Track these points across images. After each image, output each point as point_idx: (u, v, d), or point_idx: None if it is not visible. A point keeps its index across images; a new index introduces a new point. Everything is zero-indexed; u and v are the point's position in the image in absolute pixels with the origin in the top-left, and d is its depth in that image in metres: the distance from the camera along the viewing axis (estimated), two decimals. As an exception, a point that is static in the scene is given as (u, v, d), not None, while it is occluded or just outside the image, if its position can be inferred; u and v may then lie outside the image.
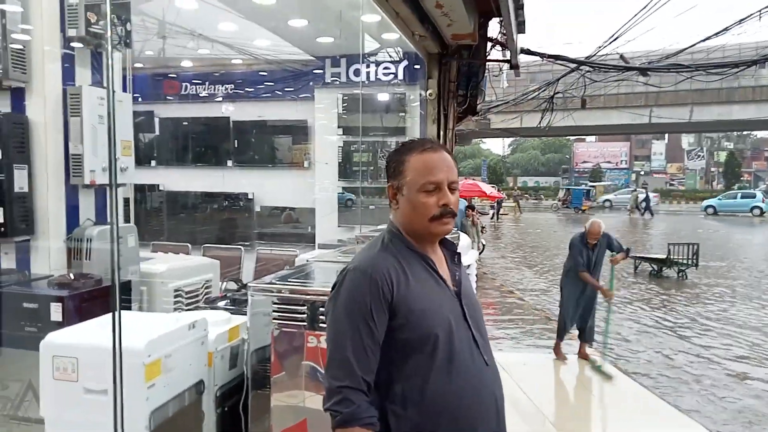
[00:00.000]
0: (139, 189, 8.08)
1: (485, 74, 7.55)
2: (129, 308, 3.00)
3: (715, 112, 31.40)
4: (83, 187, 3.41)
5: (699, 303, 9.78)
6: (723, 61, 9.80)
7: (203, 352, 2.29)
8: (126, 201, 3.73)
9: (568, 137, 53.54)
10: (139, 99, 7.98)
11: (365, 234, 4.04)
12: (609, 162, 55.23)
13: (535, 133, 35.20)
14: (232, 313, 2.76)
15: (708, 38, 8.95)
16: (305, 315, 2.33)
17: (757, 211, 30.63)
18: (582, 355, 6.20)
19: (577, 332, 6.33)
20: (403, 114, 7.09)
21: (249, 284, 2.44)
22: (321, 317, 2.30)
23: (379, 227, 5.79)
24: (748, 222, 27.86)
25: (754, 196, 32.34)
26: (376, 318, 1.48)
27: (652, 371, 6.25)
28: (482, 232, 12.50)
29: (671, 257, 12.14)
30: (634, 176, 54.17)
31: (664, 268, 12.43)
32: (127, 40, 3.44)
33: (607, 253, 6.17)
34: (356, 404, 1.41)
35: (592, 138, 54.95)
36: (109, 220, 3.46)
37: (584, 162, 56.00)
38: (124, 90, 3.70)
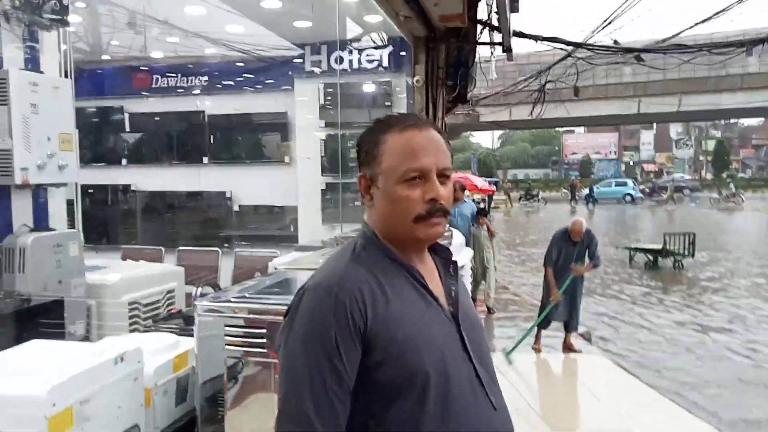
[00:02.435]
0: (111, 190, 7.62)
1: (475, 60, 7.11)
2: (62, 333, 2.54)
3: (704, 101, 31.28)
4: (15, 188, 2.93)
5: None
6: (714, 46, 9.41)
7: (137, 390, 1.84)
8: (70, 203, 3.24)
9: (557, 129, 53.36)
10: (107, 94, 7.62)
11: (347, 234, 3.59)
12: (598, 153, 55.11)
13: (525, 125, 35.03)
14: (186, 335, 2.31)
15: (700, 23, 8.58)
16: (264, 341, 1.88)
17: (628, 198, 34.85)
18: (568, 347, 6.06)
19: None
20: (389, 104, 6.63)
21: (195, 303, 1.99)
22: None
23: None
24: (622, 207, 31.81)
25: (626, 184, 36.74)
26: (345, 355, 1.09)
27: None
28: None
29: (667, 247, 11.84)
30: (623, 167, 54.15)
31: (660, 259, 12.13)
32: (63, 17, 2.95)
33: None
34: None
35: (581, 129, 54.83)
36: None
37: (573, 153, 55.87)
38: (65, 75, 3.21)
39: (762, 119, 51.88)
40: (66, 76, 3.17)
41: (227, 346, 1.94)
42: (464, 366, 1.17)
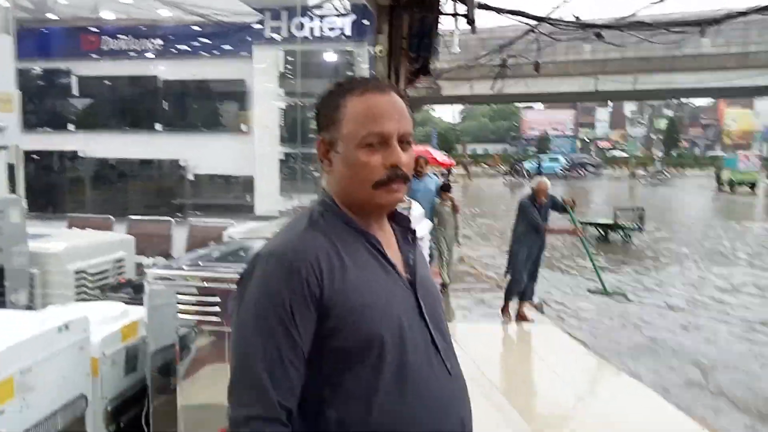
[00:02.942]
0: (57, 156, 7.30)
1: (438, 32, 7.05)
2: (1, 302, 2.42)
3: (658, 81, 31.97)
4: (-52, 150, 2.76)
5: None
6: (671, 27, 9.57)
7: (83, 359, 1.77)
8: (11, 168, 3.07)
9: (516, 105, 53.87)
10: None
11: (306, 205, 3.52)
12: (556, 129, 56.01)
13: (485, 99, 35.27)
14: (136, 304, 2.24)
15: (658, 2, 8.71)
16: (218, 310, 1.83)
17: (561, 172, 37.91)
18: (521, 316, 6.23)
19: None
20: (351, 73, 6.52)
21: (146, 270, 1.92)
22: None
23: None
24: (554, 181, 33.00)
25: (557, 160, 39.98)
26: (299, 321, 1.07)
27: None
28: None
29: (618, 221, 12.19)
30: (579, 143, 55.25)
31: (611, 233, 12.48)
32: (0, -34, 2.74)
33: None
34: None
35: (540, 106, 55.53)
36: None
37: (532, 129, 56.64)
38: (5, 32, 3.00)
39: (712, 100, 53.68)
40: (7, 33, 2.97)
41: (179, 315, 1.88)
42: (421, 333, 1.16)
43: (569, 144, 54.76)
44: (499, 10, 6.05)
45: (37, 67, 7.19)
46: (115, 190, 7.21)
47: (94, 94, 7.35)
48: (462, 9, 6.20)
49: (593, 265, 7.52)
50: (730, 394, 4.69)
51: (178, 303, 1.87)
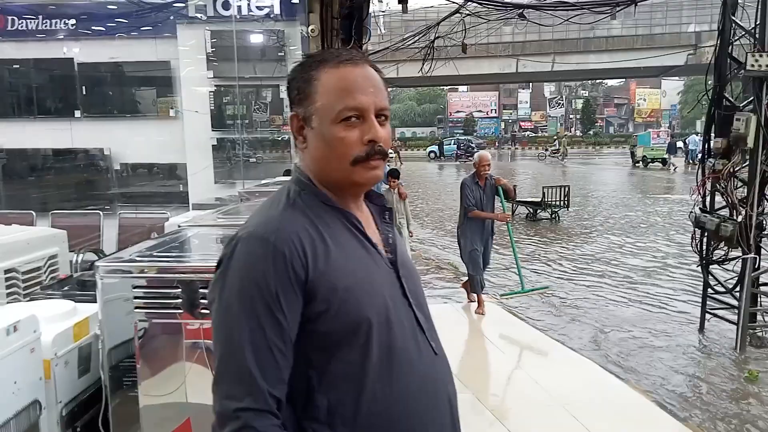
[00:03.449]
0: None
1: (369, 12, 6.98)
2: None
3: (574, 61, 33.31)
4: None
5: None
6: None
7: (35, 362, 1.64)
8: None
9: (442, 88, 54.55)
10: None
11: (250, 189, 3.43)
12: (480, 111, 57.25)
13: (413, 82, 35.44)
14: (79, 301, 2.10)
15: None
16: (180, 300, 1.75)
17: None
18: (471, 299, 6.09)
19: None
20: (282, 54, 6.36)
21: (97, 263, 1.80)
22: (204, 301, 1.74)
23: (269, 181, 5.18)
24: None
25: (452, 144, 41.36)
26: (285, 305, 1.03)
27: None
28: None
29: (546, 200, 12.63)
30: (503, 125, 56.80)
31: (539, 211, 12.93)
32: None
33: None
34: None
35: (465, 88, 56.49)
36: None
37: (458, 112, 57.60)
38: None
39: (623, 80, 56.55)
40: None
41: (136, 311, 1.78)
42: (405, 313, 1.15)
43: (494, 125, 56.19)
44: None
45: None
46: (33, 183, 6.75)
47: (1, 79, 6.80)
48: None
49: (515, 258, 6.84)
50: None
51: (135, 297, 1.76)
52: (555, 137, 43.28)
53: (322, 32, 5.90)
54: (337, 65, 1.12)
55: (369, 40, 7.21)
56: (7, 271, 2.93)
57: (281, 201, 1.13)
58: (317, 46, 5.90)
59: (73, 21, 6.62)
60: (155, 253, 1.92)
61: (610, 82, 61.80)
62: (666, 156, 27.57)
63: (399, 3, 5.71)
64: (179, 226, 2.52)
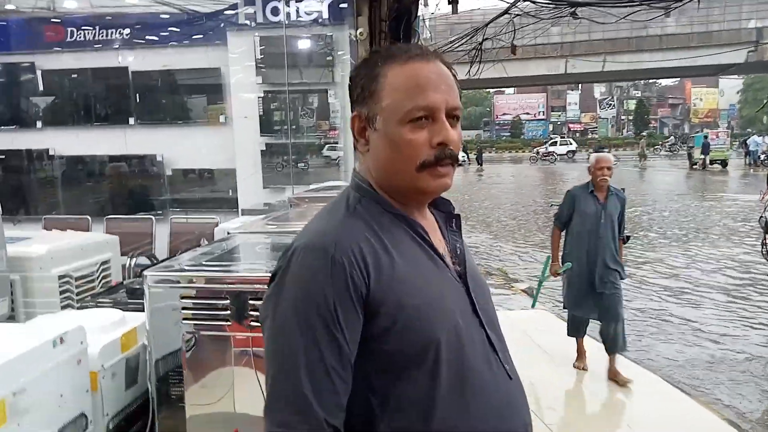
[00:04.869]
0: (26, 156, 6.96)
1: (418, 14, 6.88)
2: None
3: (626, 61, 32.43)
4: None
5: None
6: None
7: (82, 374, 1.60)
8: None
9: (488, 90, 54.00)
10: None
11: (300, 195, 3.36)
12: (528, 113, 56.37)
13: (461, 85, 35.30)
14: (129, 309, 2.06)
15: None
16: (228, 311, 1.67)
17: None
18: (612, 374, 4.23)
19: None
20: (330, 58, 6.32)
21: (145, 273, 1.74)
22: (254, 312, 1.66)
23: (322, 185, 5.11)
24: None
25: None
26: (344, 323, 0.93)
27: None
28: None
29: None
30: (551, 127, 55.75)
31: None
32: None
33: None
34: None
35: (511, 90, 55.75)
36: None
37: (504, 114, 56.93)
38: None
39: (678, 79, 54.55)
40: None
41: (183, 321, 1.71)
42: (477, 332, 1.04)
43: (542, 128, 55.20)
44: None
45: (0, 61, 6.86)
46: (90, 189, 6.93)
47: (61, 89, 7.03)
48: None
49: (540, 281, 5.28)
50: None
51: (183, 308, 1.70)
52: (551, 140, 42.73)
53: (370, 35, 5.84)
54: (406, 61, 1.02)
55: (417, 42, 7.12)
56: (61, 277, 2.96)
57: (341, 208, 1.04)
58: (365, 50, 5.83)
59: (127, 30, 6.77)
60: (204, 262, 1.86)
61: (664, 82, 59.72)
62: (728, 156, 26.36)
63: (449, 3, 5.59)
64: (228, 233, 2.47)
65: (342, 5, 6.18)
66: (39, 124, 6.91)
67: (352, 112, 1.07)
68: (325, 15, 6.25)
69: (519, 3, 8.64)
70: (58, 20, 6.83)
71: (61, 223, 5.95)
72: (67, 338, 1.54)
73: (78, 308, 2.57)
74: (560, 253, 4.35)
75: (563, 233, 4.37)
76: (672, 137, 41.99)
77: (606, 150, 38.42)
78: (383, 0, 5.82)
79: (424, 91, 0.99)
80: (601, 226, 4.06)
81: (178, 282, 1.71)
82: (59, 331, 1.52)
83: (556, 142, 40.99)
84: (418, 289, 0.97)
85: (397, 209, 1.04)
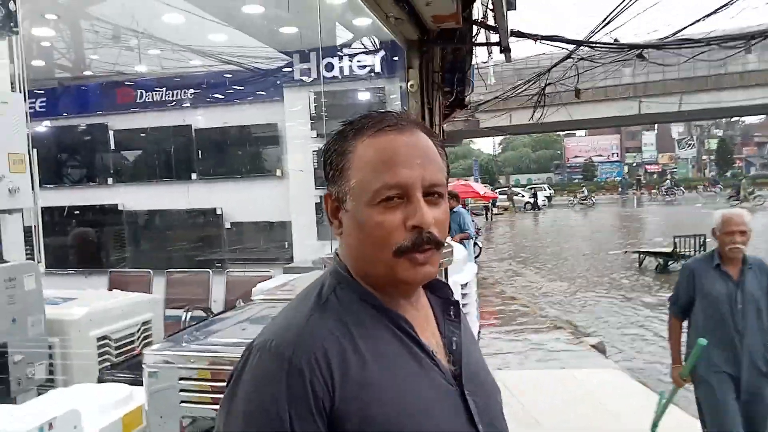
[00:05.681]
0: (98, 211, 7.32)
1: (472, 63, 6.82)
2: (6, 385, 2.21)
3: (704, 100, 31.12)
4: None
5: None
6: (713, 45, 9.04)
7: (73, 464, 1.50)
8: (27, 231, 2.93)
9: (558, 133, 53.11)
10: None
11: (329, 255, 3.24)
12: (600, 155, 54.80)
13: (526, 129, 34.84)
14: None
15: (701, 19, 8.26)
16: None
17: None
18: None
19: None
20: (383, 110, 6.33)
21: (144, 351, 1.66)
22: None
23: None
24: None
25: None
26: None
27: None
28: (477, 234, 9.04)
29: (677, 250, 11.50)
30: (626, 169, 53.80)
31: (670, 262, 11.77)
32: (10, 24, 2.64)
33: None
34: None
35: (582, 132, 54.57)
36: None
37: (575, 157, 55.64)
38: (15, 90, 2.90)
39: (763, 117, 51.52)
40: (19, 91, 2.86)
41: (182, 404, 1.60)
42: None
43: (616, 170, 53.37)
44: (534, 37, 5.76)
45: (76, 123, 7.34)
46: (154, 242, 7.17)
47: (130, 147, 7.41)
48: (495, 38, 5.97)
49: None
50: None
51: (182, 390, 1.59)
52: (582, 186, 41.20)
53: (421, 87, 5.80)
54: (377, 133, 0.90)
55: (472, 91, 7.04)
56: (99, 339, 2.97)
57: (311, 298, 0.90)
58: (416, 102, 5.79)
59: (192, 90, 7.10)
60: (211, 339, 1.76)
61: (749, 120, 56.58)
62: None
63: (501, 53, 5.48)
64: (252, 300, 2.37)
65: (394, 58, 6.21)
66: (110, 180, 7.27)
67: (325, 192, 0.96)
68: (378, 69, 6.29)
69: (581, 48, 8.44)
70: (130, 83, 7.26)
71: (125, 276, 6.16)
72: (56, 424, 1.45)
73: (107, 375, 2.53)
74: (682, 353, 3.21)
75: (684, 324, 3.21)
76: None
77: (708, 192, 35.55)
78: (435, 51, 5.80)
79: (393, 166, 0.86)
80: (737, 314, 2.91)
81: (177, 362, 1.61)
82: (48, 417, 1.44)
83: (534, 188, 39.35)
84: (391, 396, 0.82)
85: (377, 299, 0.89)
